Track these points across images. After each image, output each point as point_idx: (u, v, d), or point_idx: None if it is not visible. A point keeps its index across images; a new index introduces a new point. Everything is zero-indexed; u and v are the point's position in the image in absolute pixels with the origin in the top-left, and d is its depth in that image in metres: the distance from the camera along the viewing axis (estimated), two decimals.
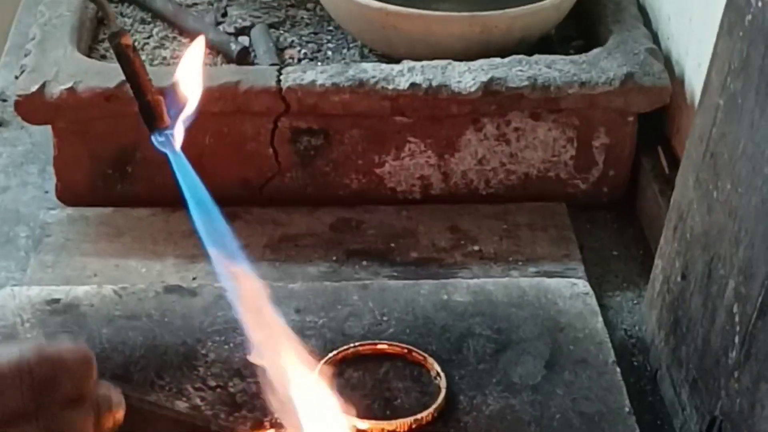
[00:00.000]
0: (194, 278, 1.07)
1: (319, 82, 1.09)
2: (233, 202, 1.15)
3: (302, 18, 1.29)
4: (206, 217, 0.78)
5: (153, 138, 0.79)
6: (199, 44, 0.84)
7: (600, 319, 0.99)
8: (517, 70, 1.11)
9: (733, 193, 0.87)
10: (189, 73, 0.82)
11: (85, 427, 0.63)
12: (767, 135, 0.82)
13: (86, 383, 0.63)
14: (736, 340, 0.84)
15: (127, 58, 0.80)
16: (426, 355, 0.94)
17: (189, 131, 1.13)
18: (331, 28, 1.27)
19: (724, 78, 0.90)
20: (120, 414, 0.67)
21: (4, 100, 1.34)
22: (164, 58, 1.21)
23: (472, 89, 1.09)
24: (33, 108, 1.10)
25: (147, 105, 0.79)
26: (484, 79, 1.10)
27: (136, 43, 1.23)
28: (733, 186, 0.87)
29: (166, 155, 0.79)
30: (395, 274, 1.08)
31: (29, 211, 1.18)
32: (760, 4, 0.84)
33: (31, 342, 0.62)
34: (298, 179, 1.16)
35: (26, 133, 1.28)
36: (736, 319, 0.84)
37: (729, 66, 0.89)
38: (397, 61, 1.20)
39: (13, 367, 0.60)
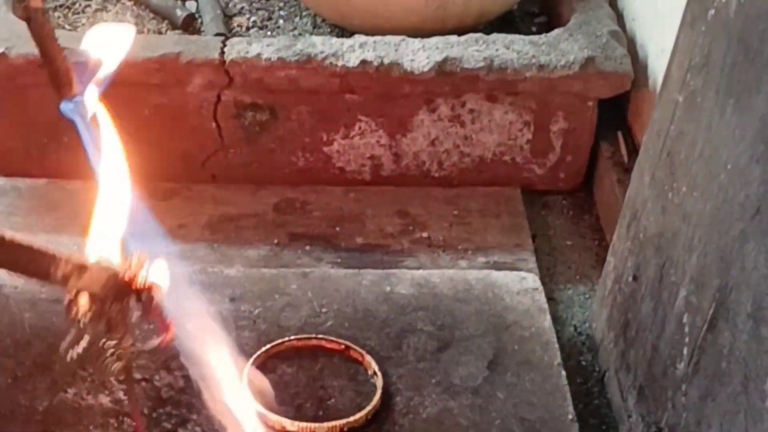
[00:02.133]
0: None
1: (265, 55, 1.04)
2: (173, 177, 1.11)
3: None
4: (117, 191, 0.74)
5: (62, 105, 0.74)
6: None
7: (548, 317, 0.95)
8: (474, 50, 1.06)
9: (689, 196, 0.83)
10: (105, 39, 0.76)
11: None
12: (725, 139, 0.78)
13: None
14: (685, 351, 0.80)
15: (36, 23, 0.74)
16: (363, 352, 0.89)
17: (127, 102, 1.08)
18: None
19: (684, 73, 0.85)
20: None
21: None
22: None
23: (426, 69, 1.04)
24: None
25: (56, 72, 0.74)
26: (439, 58, 1.05)
27: (77, 5, 1.17)
28: (689, 189, 0.83)
29: (74, 123, 0.74)
30: (339, 260, 1.04)
31: None
32: None
33: None
34: (242, 155, 1.11)
35: None
36: (686, 329, 0.81)
37: (690, 61, 0.85)
38: (351, 33, 1.15)
39: None
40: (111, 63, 0.75)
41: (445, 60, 1.05)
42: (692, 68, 0.84)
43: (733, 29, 0.78)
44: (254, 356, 0.88)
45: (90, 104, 0.74)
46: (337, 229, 1.07)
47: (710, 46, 0.81)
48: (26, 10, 0.73)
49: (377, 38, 1.06)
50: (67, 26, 1.14)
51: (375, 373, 0.88)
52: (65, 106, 0.74)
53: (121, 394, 0.86)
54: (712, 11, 0.81)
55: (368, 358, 0.89)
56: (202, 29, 1.15)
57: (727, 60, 0.78)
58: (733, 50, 0.78)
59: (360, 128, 1.10)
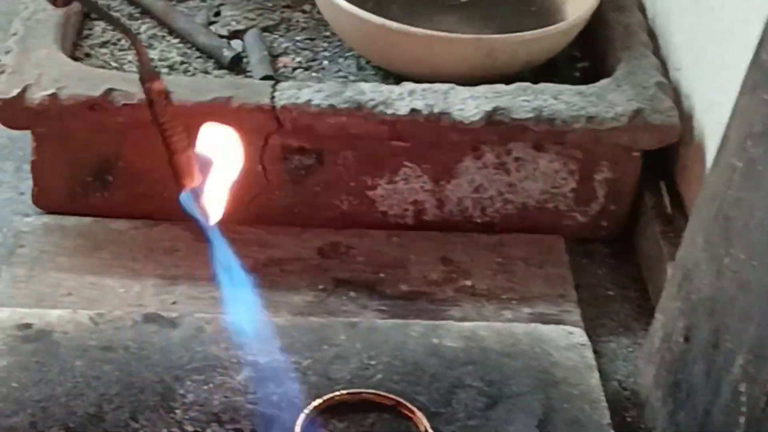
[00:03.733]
0: (174, 302, 1.03)
1: (315, 102, 1.04)
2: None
3: (298, 21, 1.23)
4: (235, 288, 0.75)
5: (181, 196, 0.74)
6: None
7: (596, 374, 0.95)
8: (522, 100, 1.06)
9: (747, 264, 0.83)
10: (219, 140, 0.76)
11: None
12: None
13: None
14: (742, 421, 0.80)
15: (159, 106, 0.73)
16: (415, 408, 0.90)
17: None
18: (327, 34, 1.22)
19: (743, 139, 0.86)
20: None
21: None
22: (151, 60, 1.16)
23: (475, 119, 1.05)
24: (13, 113, 1.05)
25: (177, 161, 0.73)
26: (488, 108, 1.05)
27: (122, 42, 1.17)
28: (747, 257, 0.83)
29: (192, 215, 0.74)
30: (383, 308, 1.04)
31: (2, 215, 1.13)
32: None
33: None
34: (286, 198, 1.11)
35: (1, 126, 1.22)
36: (743, 399, 0.81)
37: (750, 128, 0.85)
38: (396, 75, 1.15)
39: None
40: (231, 168, 0.74)
41: (495, 110, 1.05)
42: (752, 136, 0.84)
43: None
44: (305, 411, 0.89)
45: (209, 198, 0.73)
46: (381, 275, 1.07)
47: None
48: (149, 93, 0.72)
49: (426, 86, 1.07)
50: (113, 63, 1.14)
51: (426, 431, 0.88)
52: (185, 198, 0.73)
53: None
54: None
55: (419, 414, 0.89)
56: (248, 70, 1.15)
57: None
58: None
59: (405, 174, 1.10)
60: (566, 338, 0.98)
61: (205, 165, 0.75)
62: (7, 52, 1.09)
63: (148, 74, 0.74)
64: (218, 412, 0.89)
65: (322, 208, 1.12)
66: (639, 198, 1.14)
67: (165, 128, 0.74)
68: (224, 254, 0.75)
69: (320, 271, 1.07)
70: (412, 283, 1.07)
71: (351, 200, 1.11)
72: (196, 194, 0.74)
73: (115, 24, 0.77)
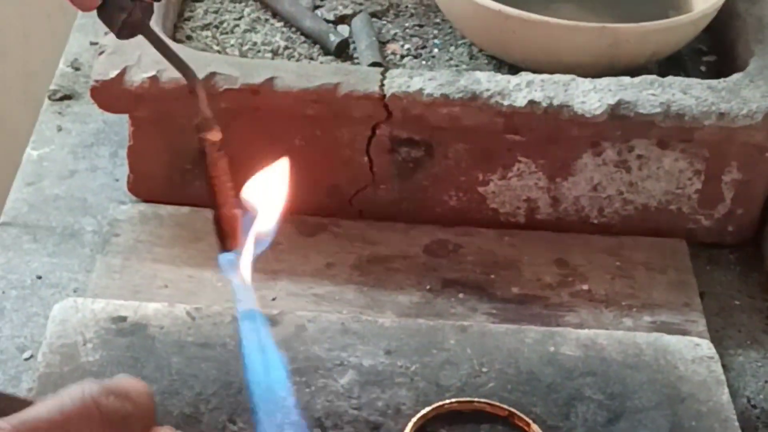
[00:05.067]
0: (274, 299, 0.97)
1: (427, 91, 0.98)
2: (319, 211, 1.05)
3: (407, 7, 1.17)
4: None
5: (221, 257, 0.69)
6: (282, 167, 0.73)
7: (726, 390, 0.88)
8: (649, 94, 0.99)
9: None
10: (270, 193, 0.71)
11: None
12: None
13: (152, 419, 0.56)
14: None
15: (210, 158, 0.69)
16: (530, 420, 0.83)
17: (278, 131, 1.04)
18: (438, 20, 1.16)
19: None
20: None
21: (77, 69, 1.25)
22: (255, 44, 1.11)
23: (597, 112, 0.98)
24: (111, 96, 1.01)
25: (222, 219, 0.68)
26: (612, 101, 0.98)
27: (226, 25, 1.12)
28: None
29: (229, 278, 0.69)
30: (494, 311, 0.97)
31: (97, 201, 1.08)
32: None
33: (91, 381, 0.55)
34: (392, 192, 1.05)
35: (98, 110, 1.18)
36: None
37: None
38: (510, 65, 1.09)
39: (79, 406, 0.52)
40: (270, 218, 0.69)
41: (619, 103, 0.98)
42: None
43: None
44: (414, 420, 0.83)
45: (248, 262, 0.68)
46: (492, 276, 1.01)
47: None
48: (201, 142, 0.68)
49: (545, 76, 1.00)
50: (215, 47, 1.09)
51: None
52: (224, 259, 0.68)
53: None
54: None
55: (535, 426, 0.83)
56: (355, 56, 1.10)
57: None
58: None
59: (519, 169, 1.04)
60: (693, 350, 0.91)
61: (250, 223, 0.70)
62: (106, 33, 1.04)
63: (205, 123, 0.69)
64: (320, 417, 0.84)
65: (429, 203, 1.06)
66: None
67: (214, 183, 0.69)
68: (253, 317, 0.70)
69: (427, 270, 1.01)
70: (525, 285, 1.00)
71: (460, 196, 1.05)
72: (238, 256, 0.69)
73: (176, 62, 0.72)
